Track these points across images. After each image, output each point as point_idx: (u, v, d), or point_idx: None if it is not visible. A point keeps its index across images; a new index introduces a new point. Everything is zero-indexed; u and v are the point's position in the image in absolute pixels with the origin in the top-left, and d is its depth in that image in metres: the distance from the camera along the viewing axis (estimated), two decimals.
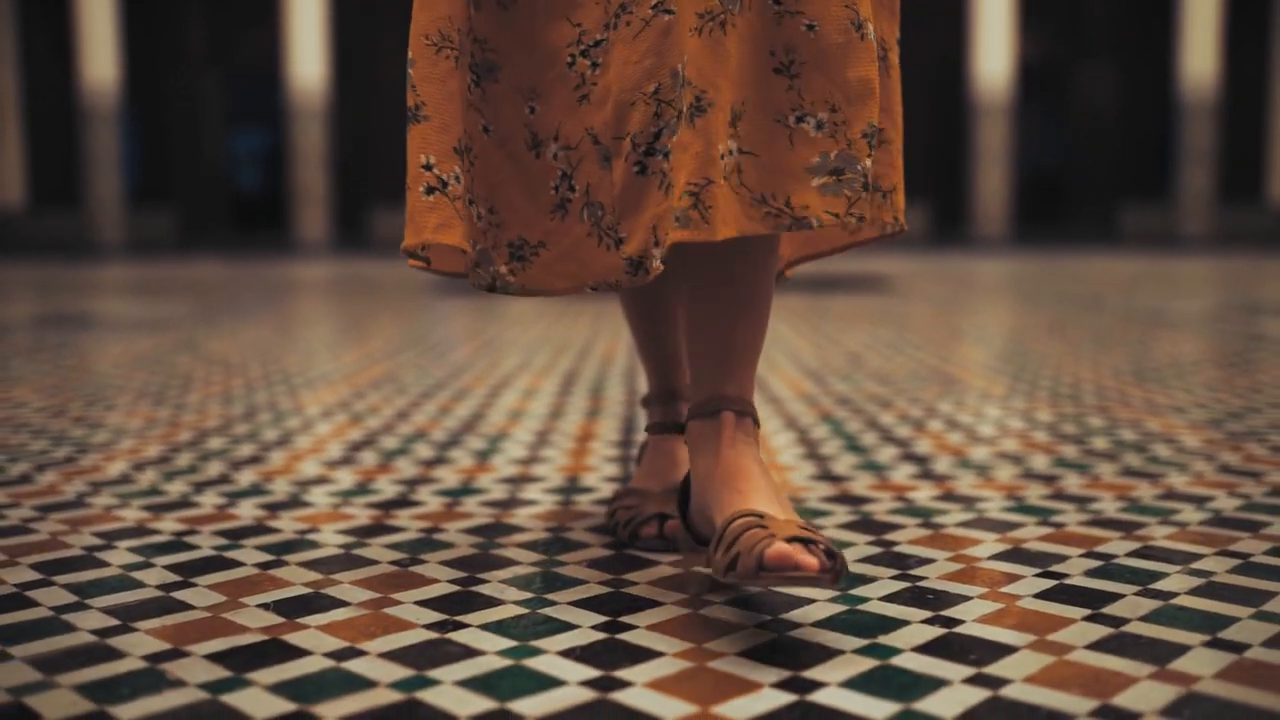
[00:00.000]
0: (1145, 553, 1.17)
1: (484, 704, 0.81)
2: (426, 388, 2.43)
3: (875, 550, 1.19)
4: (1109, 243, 15.91)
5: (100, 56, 16.02)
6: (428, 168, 1.00)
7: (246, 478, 1.57)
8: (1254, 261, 9.39)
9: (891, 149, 1.07)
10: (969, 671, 0.85)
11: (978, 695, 0.81)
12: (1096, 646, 0.90)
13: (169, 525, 1.31)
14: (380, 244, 17.47)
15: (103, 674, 0.87)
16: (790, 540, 0.88)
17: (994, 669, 0.86)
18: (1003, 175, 16.47)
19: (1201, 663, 0.87)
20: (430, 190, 1.00)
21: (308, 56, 16.16)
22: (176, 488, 1.51)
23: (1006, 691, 0.82)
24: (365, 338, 3.59)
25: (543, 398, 2.28)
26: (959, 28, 17.79)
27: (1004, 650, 0.90)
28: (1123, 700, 0.80)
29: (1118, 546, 1.19)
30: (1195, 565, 1.12)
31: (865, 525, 1.29)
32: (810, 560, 0.85)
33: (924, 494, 1.44)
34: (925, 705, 0.80)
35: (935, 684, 0.83)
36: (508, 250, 1.05)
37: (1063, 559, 1.15)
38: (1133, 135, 18.39)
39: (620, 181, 0.97)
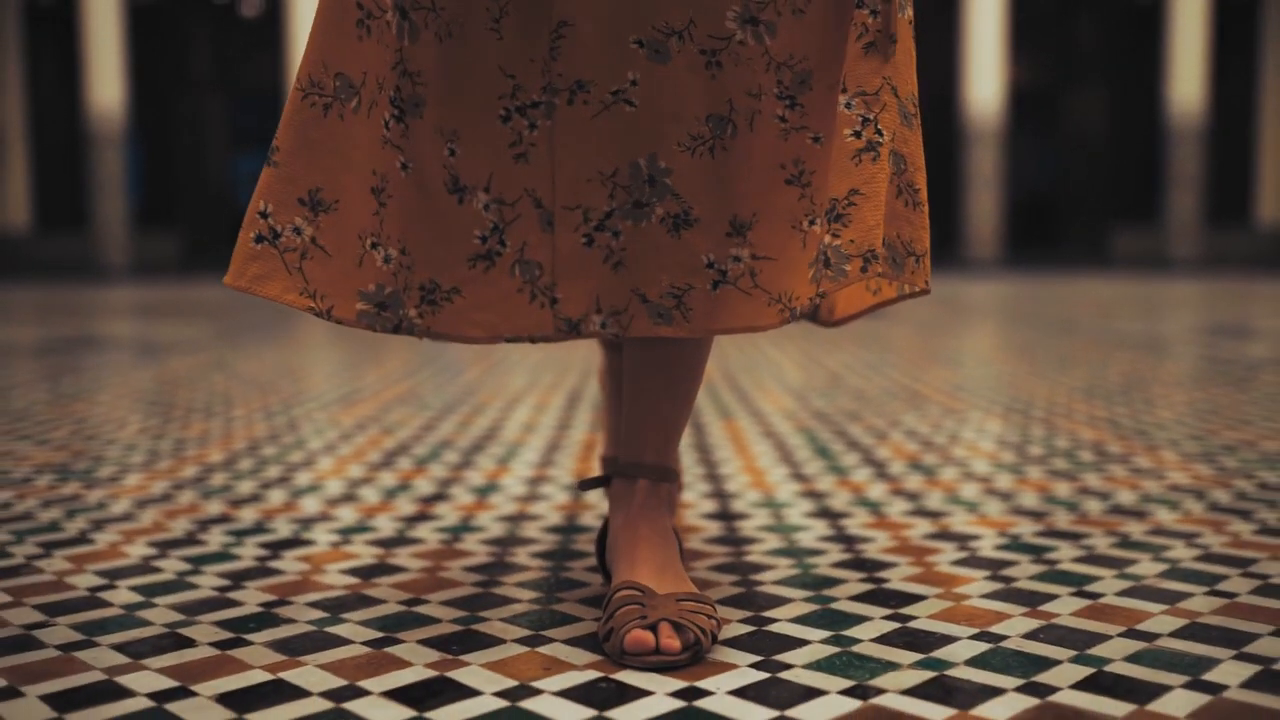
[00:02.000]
0: (1046, 533, 1.44)
1: (526, 601, 1.08)
2: (446, 403, 2.71)
3: (830, 532, 1.46)
4: (1100, 266, 16.23)
5: (107, 81, 16.34)
6: (264, 215, 1.01)
7: (304, 479, 1.84)
8: (1238, 284, 9.68)
9: (923, 210, 1.08)
10: (887, 612, 1.13)
11: (891, 626, 1.09)
12: (988, 596, 1.18)
13: (249, 515, 1.59)
14: None
15: (232, 615, 1.14)
16: (659, 621, 1.00)
17: (907, 610, 1.13)
18: (994, 199, 16.79)
19: (1064, 606, 1.14)
20: (260, 239, 1.01)
21: None
22: (246, 486, 1.78)
23: (912, 624, 1.09)
24: (381, 359, 3.87)
25: (552, 412, 2.55)
26: (951, 55, 18.14)
27: (917, 598, 1.17)
28: (997, 629, 1.07)
29: (1025, 528, 1.47)
30: (1084, 542, 1.40)
31: (824, 514, 1.56)
32: (670, 643, 0.98)
33: (877, 491, 1.71)
34: (851, 632, 1.07)
35: (860, 619, 1.11)
36: (419, 293, 1.06)
37: (979, 537, 1.43)
38: (1123, 160, 18.73)
39: (565, 248, 1.06)
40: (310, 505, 1.65)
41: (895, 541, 1.41)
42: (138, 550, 1.40)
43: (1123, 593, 1.19)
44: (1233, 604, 1.14)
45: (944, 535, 1.44)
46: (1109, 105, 18.68)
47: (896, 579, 1.25)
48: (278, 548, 1.41)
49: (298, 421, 2.45)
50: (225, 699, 0.92)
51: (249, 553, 1.38)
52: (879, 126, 1.02)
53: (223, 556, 1.37)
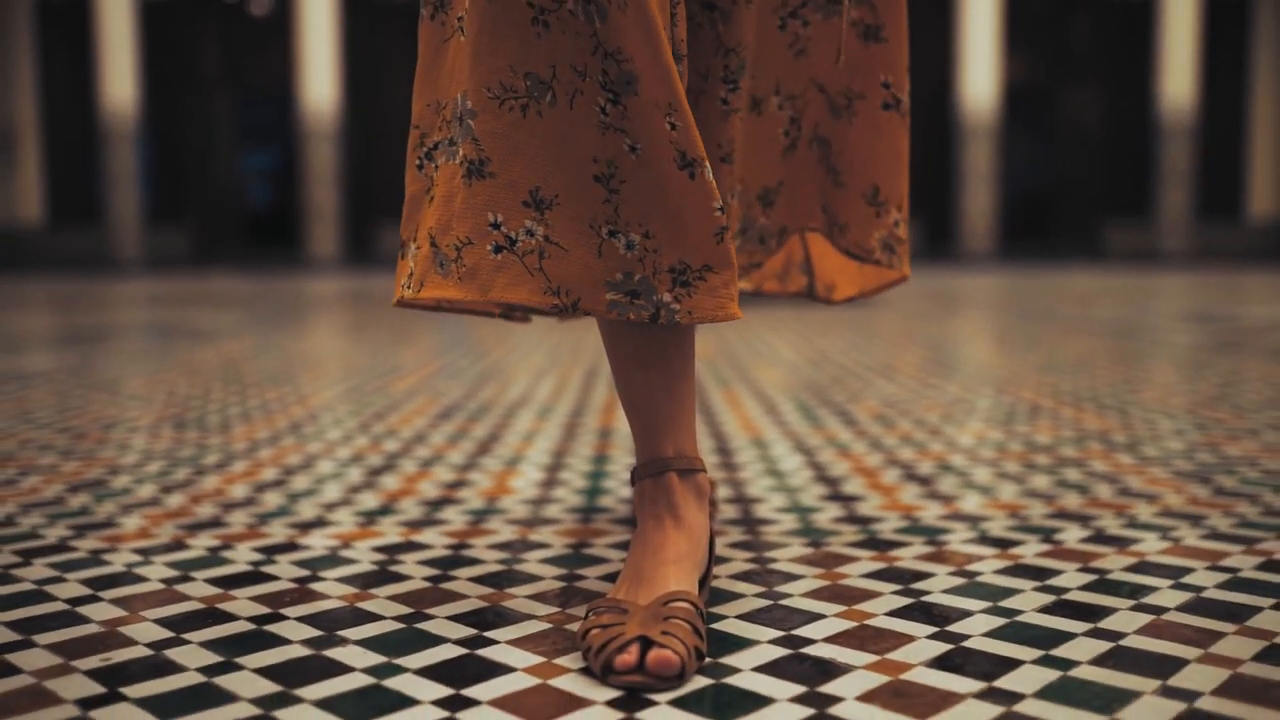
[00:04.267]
0: (972, 461, 1.86)
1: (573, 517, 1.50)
2: (481, 374, 3.13)
3: (803, 460, 1.88)
4: (1092, 259, 16.63)
5: (120, 78, 16.76)
6: (495, 226, 1.00)
7: (378, 429, 2.25)
8: (1224, 277, 10.09)
9: (848, 189, 1.28)
10: (840, 506, 1.54)
11: (842, 513, 1.50)
12: (916, 496, 1.59)
13: (344, 453, 2.00)
14: (388, 259, 18.18)
15: (365, 506, 1.56)
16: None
17: (855, 505, 1.55)
18: (989, 194, 17.20)
19: (969, 502, 1.56)
20: (499, 249, 1.00)
21: (319, 78, 16.91)
22: (333, 434, 2.20)
23: (858, 512, 1.51)
24: (412, 340, 4.29)
25: (574, 381, 2.97)
26: (946, 52, 18.52)
27: (863, 499, 1.59)
28: (917, 514, 1.49)
29: (957, 460, 1.89)
30: (998, 467, 1.81)
31: (800, 450, 1.98)
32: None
33: (845, 435, 2.13)
34: (812, 517, 1.49)
35: (819, 510, 1.52)
36: (670, 276, 1.00)
37: (919, 464, 1.84)
38: (1116, 155, 19.12)
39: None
40: (390, 447, 2.06)
41: (853, 463, 1.83)
42: (270, 473, 1.81)
43: (1016, 495, 1.60)
44: (1093, 500, 1.56)
45: (893, 462, 1.86)
46: (1102, 102, 19.07)
47: (851, 489, 1.66)
48: (379, 471, 1.82)
49: (359, 389, 2.87)
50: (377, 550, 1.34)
51: (357, 473, 1.80)
52: (800, 123, 1.26)
53: (338, 475, 1.78)
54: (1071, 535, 1.37)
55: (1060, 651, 0.98)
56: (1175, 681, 0.91)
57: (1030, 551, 1.30)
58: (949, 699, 0.88)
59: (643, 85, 0.97)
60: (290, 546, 1.36)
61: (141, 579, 1.23)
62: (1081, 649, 0.98)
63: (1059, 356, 3.55)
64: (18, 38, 17.81)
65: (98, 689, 0.92)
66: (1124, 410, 2.39)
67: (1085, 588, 1.16)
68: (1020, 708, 0.86)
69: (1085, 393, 2.68)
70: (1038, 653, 0.98)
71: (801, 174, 1.27)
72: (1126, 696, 0.88)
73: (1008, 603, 1.11)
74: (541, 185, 1.00)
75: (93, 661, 0.98)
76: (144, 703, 0.89)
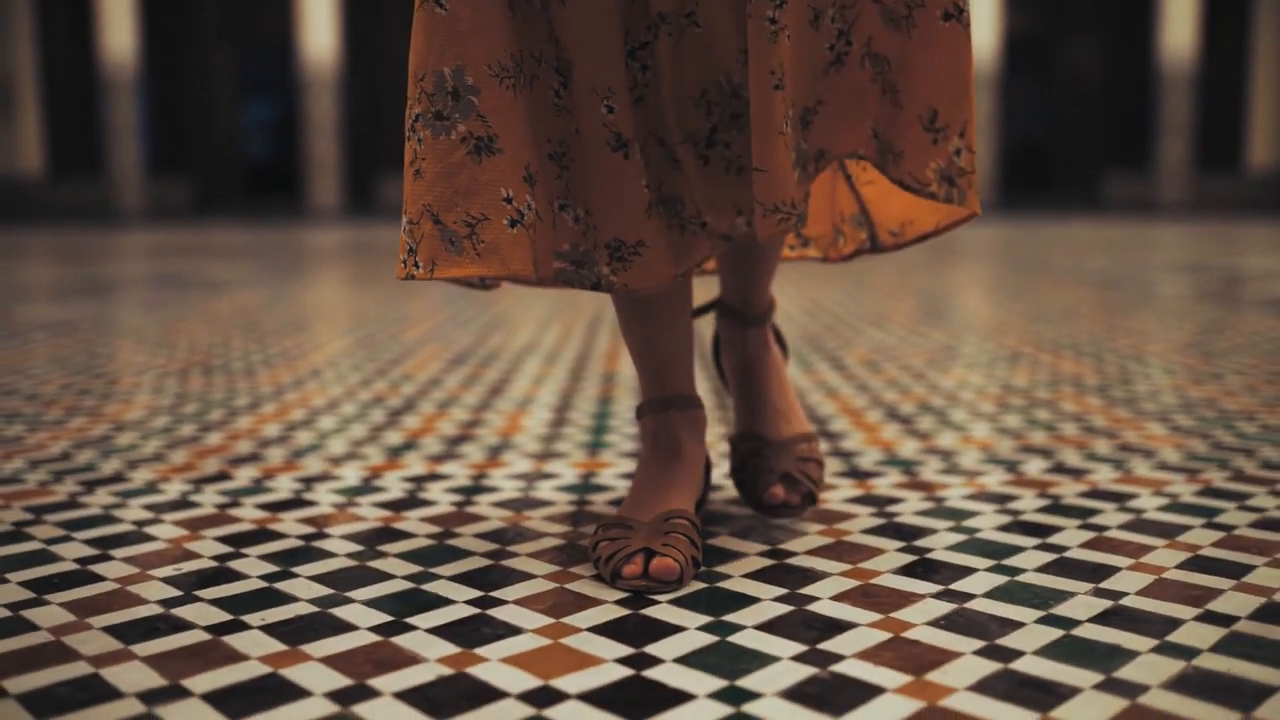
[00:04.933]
0: (949, 404, 2.00)
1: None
2: (488, 323, 3.26)
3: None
4: (1092, 210, 16.71)
5: (119, 28, 16.76)
6: (508, 200, 1.02)
7: (395, 374, 2.39)
8: (1221, 228, 10.19)
9: (907, 111, 1.13)
10: (827, 442, 1.68)
11: (828, 449, 1.64)
12: (895, 434, 1.73)
13: (365, 396, 2.14)
14: (388, 210, 18.27)
15: (396, 440, 1.69)
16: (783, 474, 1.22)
17: (840, 442, 1.69)
18: (989, 144, 17.24)
19: (944, 439, 1.70)
20: (513, 224, 1.02)
21: (320, 29, 16.90)
22: (354, 377, 2.33)
23: (841, 447, 1.65)
24: (417, 293, 4.41)
25: (578, 330, 3.10)
26: None
27: (848, 436, 1.73)
28: (896, 449, 1.63)
29: (938, 401, 2.02)
30: (975, 407, 1.95)
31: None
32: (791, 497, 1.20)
33: (834, 379, 2.27)
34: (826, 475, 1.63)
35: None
36: (607, 251, 1.08)
37: (901, 405, 1.98)
38: (1116, 107, 19.14)
39: (693, 175, 1.12)
40: (407, 390, 2.20)
41: (840, 406, 1.97)
42: (299, 414, 1.95)
43: (988, 432, 1.74)
44: (1057, 436, 1.70)
45: (877, 404, 2.00)
46: (1102, 52, 19.06)
47: (836, 427, 1.80)
48: (399, 412, 1.96)
49: (371, 337, 3.00)
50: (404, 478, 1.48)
51: (378, 418, 1.94)
52: (850, 38, 1.11)
53: (362, 416, 1.92)
54: (1034, 467, 1.51)
55: (1011, 561, 1.12)
56: (1107, 584, 1.05)
57: (995, 481, 1.44)
58: (910, 598, 1.02)
59: (578, 73, 1.04)
60: (326, 477, 1.50)
61: (196, 504, 1.37)
62: (1029, 559, 1.13)
63: (1046, 306, 3.68)
64: None
65: (174, 592, 1.06)
66: (1100, 356, 2.53)
67: (1040, 510, 1.30)
68: (970, 605, 1.00)
69: (1066, 340, 2.81)
70: (991, 562, 1.12)
71: (845, 94, 1.13)
72: (1062, 596, 1.02)
73: (969, 523, 1.26)
74: (530, 161, 1.04)
75: (165, 570, 1.12)
76: (216, 602, 1.03)
